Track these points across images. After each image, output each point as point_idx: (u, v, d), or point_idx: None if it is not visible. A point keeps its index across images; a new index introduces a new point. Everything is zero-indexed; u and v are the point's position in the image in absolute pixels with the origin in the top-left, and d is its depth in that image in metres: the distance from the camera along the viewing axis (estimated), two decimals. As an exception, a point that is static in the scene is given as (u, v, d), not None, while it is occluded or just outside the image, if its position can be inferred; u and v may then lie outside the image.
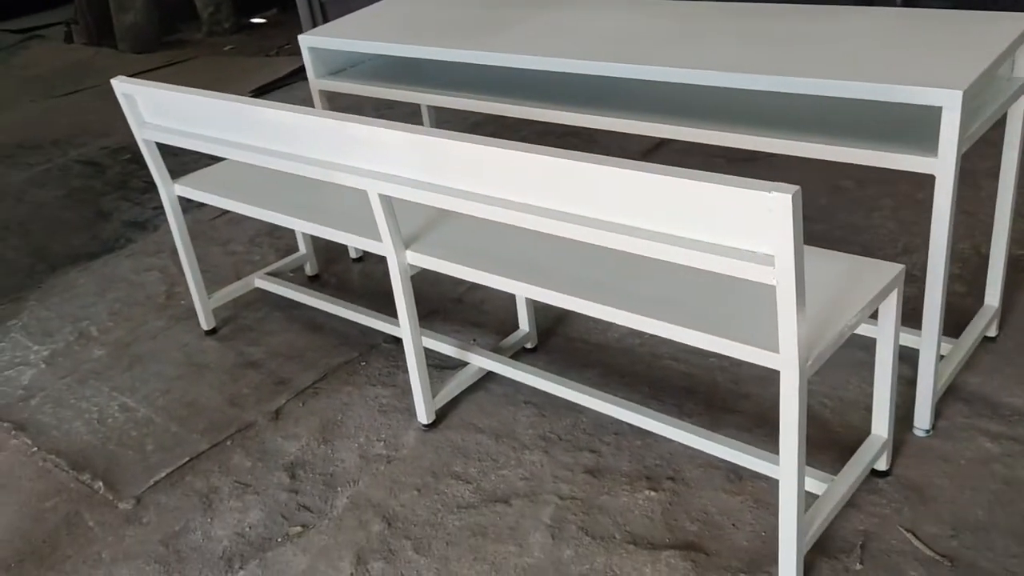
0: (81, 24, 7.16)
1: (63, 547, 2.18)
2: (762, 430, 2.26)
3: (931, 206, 1.93)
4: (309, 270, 3.26)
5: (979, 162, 3.33)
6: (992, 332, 2.45)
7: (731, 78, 2.07)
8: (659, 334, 1.80)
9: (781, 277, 1.51)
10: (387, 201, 2.11)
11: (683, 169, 1.56)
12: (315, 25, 5.74)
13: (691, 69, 2.12)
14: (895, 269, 1.86)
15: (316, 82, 3.03)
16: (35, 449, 2.54)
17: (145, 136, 2.67)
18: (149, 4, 6.78)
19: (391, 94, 2.82)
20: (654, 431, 2.21)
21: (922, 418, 2.16)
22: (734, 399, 2.38)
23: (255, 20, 7.31)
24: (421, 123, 3.39)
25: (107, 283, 3.43)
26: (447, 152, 1.89)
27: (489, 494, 2.18)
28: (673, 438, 2.18)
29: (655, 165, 1.59)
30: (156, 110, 2.60)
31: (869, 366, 2.17)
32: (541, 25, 2.64)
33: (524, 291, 2.01)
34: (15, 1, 8.43)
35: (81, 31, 7.19)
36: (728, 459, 2.10)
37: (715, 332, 1.72)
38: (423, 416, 2.41)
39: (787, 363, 1.61)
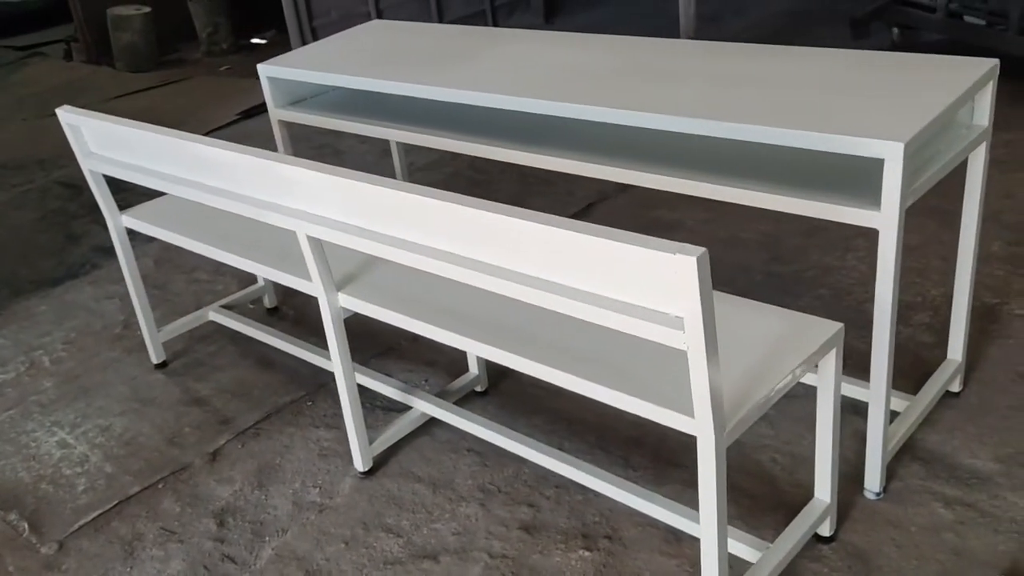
0: (80, 42, 7.17)
1: (-22, 594, 2.12)
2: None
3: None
4: (268, 302, 3.19)
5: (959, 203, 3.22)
6: (955, 387, 2.34)
7: (669, 121, 1.99)
8: (575, 391, 1.71)
9: (691, 341, 1.42)
10: (316, 242, 2.04)
11: (595, 226, 1.48)
12: (306, 48, 5.71)
13: (633, 111, 2.04)
14: (832, 328, 1.76)
15: (275, 112, 2.97)
16: (-33, 487, 2.48)
17: (90, 167, 2.61)
18: (147, 24, 6.77)
19: (347, 126, 2.75)
20: (593, 487, 2.11)
21: (872, 480, 2.05)
22: (682, 452, 2.28)
23: (254, 41, 7.30)
24: (391, 155, 3.33)
25: (66, 311, 3.37)
26: (369, 196, 1.82)
27: (418, 549, 2.09)
28: (611, 496, 2.08)
29: (570, 220, 1.51)
30: (101, 141, 2.54)
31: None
32: (505, 59, 2.56)
33: (449, 339, 1.93)
34: (19, 18, 8.47)
35: (80, 49, 7.20)
36: (665, 521, 2.00)
37: (631, 392, 1.63)
38: (359, 463, 2.32)
39: (702, 429, 1.52)
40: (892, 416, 2.18)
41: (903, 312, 2.71)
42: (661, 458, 2.27)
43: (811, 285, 2.93)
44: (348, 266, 2.22)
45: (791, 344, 1.73)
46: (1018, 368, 2.42)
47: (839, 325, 1.77)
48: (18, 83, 7.01)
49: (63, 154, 5.14)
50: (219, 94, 6.00)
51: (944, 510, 2.01)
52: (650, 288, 1.44)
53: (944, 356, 2.36)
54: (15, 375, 3.00)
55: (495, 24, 6.67)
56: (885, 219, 1.78)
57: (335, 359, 2.20)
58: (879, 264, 1.84)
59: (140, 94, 6.29)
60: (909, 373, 2.44)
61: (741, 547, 1.87)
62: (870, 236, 3.19)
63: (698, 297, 1.37)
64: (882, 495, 2.07)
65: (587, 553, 2.02)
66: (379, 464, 2.36)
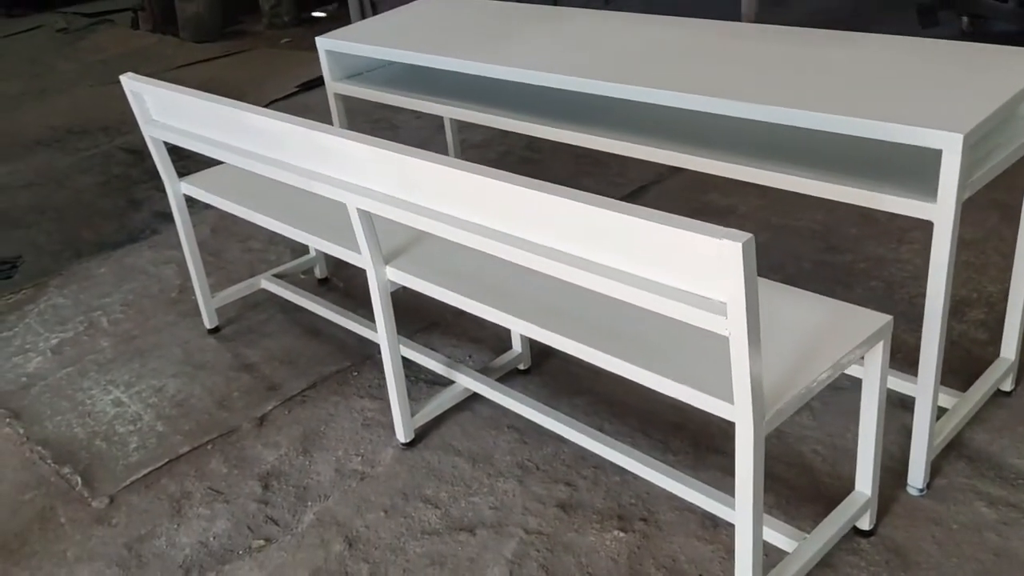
0: (147, 11, 7.30)
1: (32, 542, 2.19)
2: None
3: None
4: (319, 273, 3.23)
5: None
6: (1007, 386, 2.29)
7: (722, 104, 1.97)
8: (616, 372, 1.71)
9: (733, 327, 1.42)
10: (365, 215, 2.07)
11: (641, 208, 1.48)
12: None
13: (688, 94, 2.03)
14: (881, 320, 1.74)
15: (332, 84, 3.00)
16: (25, 439, 2.57)
17: (152, 134, 2.67)
18: (212, -6, 6.87)
19: (401, 101, 2.77)
20: (631, 469, 2.12)
21: (916, 476, 2.03)
22: (723, 439, 2.28)
23: (315, 14, 7.36)
24: (445, 132, 3.34)
25: (125, 274, 3.46)
26: (419, 171, 1.83)
27: (455, 521, 2.12)
28: (649, 479, 2.08)
29: (615, 202, 1.51)
30: (162, 109, 2.59)
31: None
32: (563, 37, 2.56)
33: (494, 316, 1.95)
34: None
35: (146, 18, 7.33)
36: (702, 505, 2.00)
37: (671, 375, 1.63)
38: (401, 434, 2.36)
39: (742, 416, 1.52)
40: (940, 412, 2.15)
41: (957, 307, 2.66)
42: (701, 444, 2.27)
43: (863, 276, 2.89)
44: (397, 240, 2.24)
45: (836, 335, 1.71)
46: (1074, 369, 2.37)
47: (888, 318, 1.75)
48: (86, 49, 7.17)
49: (127, 120, 5.26)
50: (279, 66, 6.07)
51: (987, 509, 1.98)
52: (695, 272, 1.43)
53: (997, 354, 2.32)
54: (74, 334, 3.09)
55: (556, 3, 6.63)
56: (941, 212, 1.75)
57: (381, 331, 2.23)
58: (932, 257, 1.81)
59: (203, 64, 6.39)
60: (960, 370, 2.40)
61: (778, 536, 1.87)
62: (926, 228, 3.12)
63: (742, 283, 1.36)
64: (925, 491, 2.04)
65: (622, 534, 2.03)
66: (420, 436, 2.39)
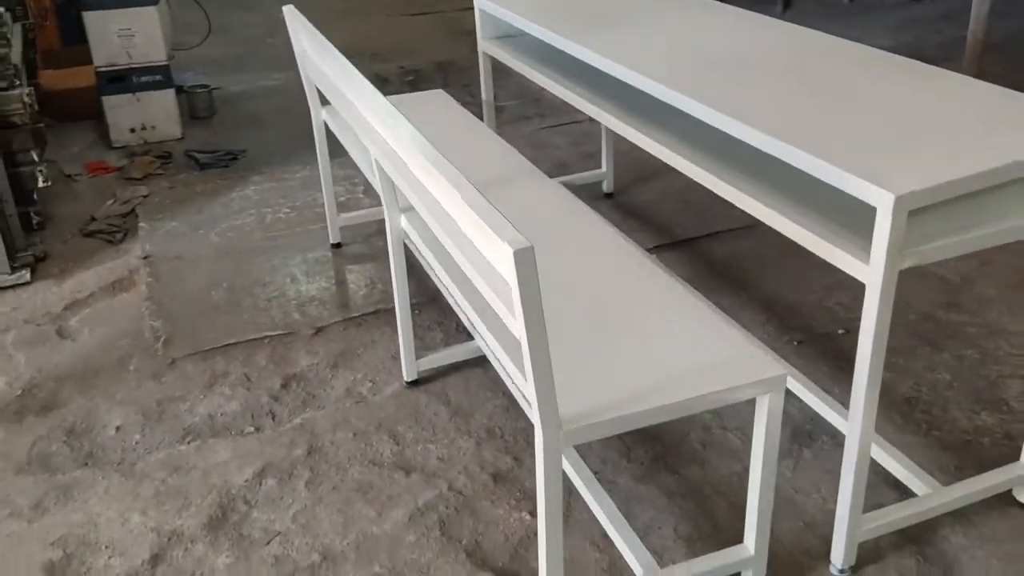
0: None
1: (101, 378, 2.65)
2: (687, 500, 2.08)
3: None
4: (446, 215, 3.45)
5: None
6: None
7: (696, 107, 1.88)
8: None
9: (520, 331, 1.43)
10: (380, 169, 2.23)
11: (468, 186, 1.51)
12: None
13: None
14: (772, 371, 1.62)
15: (482, 43, 3.16)
16: (149, 296, 3.06)
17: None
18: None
19: (529, 72, 2.85)
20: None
21: (837, 553, 1.85)
22: (688, 460, 2.20)
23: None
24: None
25: (309, 183, 3.88)
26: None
27: (402, 461, 2.27)
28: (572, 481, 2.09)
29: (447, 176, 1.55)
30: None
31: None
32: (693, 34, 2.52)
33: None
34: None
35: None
36: (599, 520, 1.98)
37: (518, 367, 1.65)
38: (405, 373, 2.53)
39: (537, 422, 1.52)
40: (909, 495, 1.94)
41: (993, 387, 2.31)
42: (665, 457, 2.21)
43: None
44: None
45: (718, 370, 1.62)
46: None
47: (782, 372, 1.62)
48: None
49: (393, 50, 5.77)
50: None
51: (900, 615, 1.78)
52: (501, 265, 1.45)
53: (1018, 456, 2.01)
54: (241, 223, 3.57)
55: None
56: (873, 274, 1.58)
57: (394, 275, 2.40)
58: (863, 322, 1.64)
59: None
60: (977, 463, 2.11)
61: (646, 557, 1.81)
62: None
63: (518, 288, 1.37)
64: (847, 574, 1.86)
65: (528, 518, 2.07)
66: (428, 379, 2.55)
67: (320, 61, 2.55)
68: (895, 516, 1.87)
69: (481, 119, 3.06)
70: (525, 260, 1.35)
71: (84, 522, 2.12)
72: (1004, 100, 1.84)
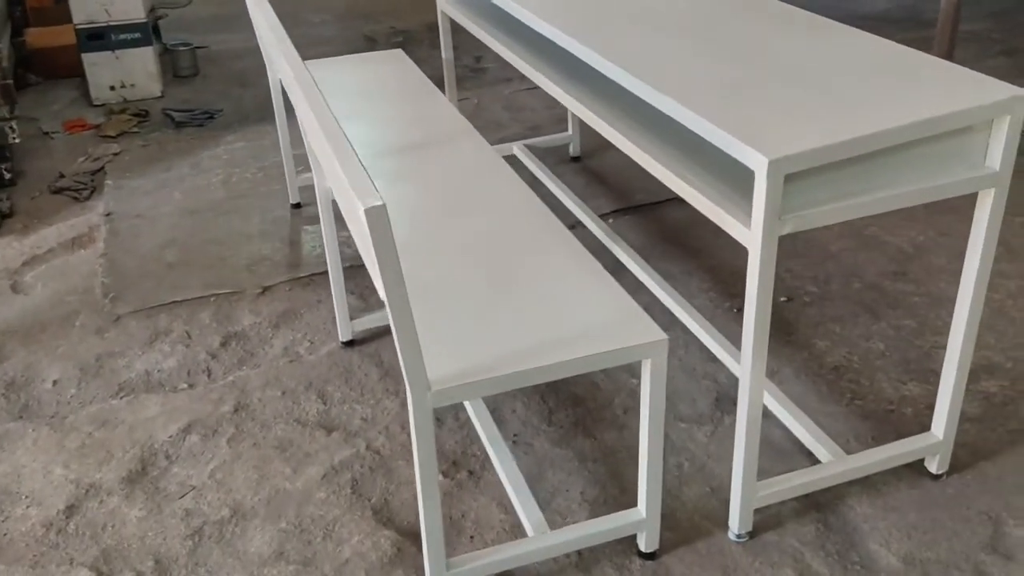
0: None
1: (47, 332, 2.69)
2: (599, 464, 2.09)
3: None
4: (407, 177, 3.44)
5: None
6: (935, 468, 1.97)
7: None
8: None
9: (382, 292, 1.43)
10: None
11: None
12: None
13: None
14: (653, 336, 1.61)
15: (441, 2, 3.13)
16: (104, 253, 3.09)
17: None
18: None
19: (481, 35, 2.81)
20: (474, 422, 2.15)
21: (733, 518, 1.85)
22: (610, 423, 2.20)
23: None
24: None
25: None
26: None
27: (326, 420, 2.28)
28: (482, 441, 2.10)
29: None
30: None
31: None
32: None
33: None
34: None
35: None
36: (504, 483, 1.99)
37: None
38: (340, 333, 2.54)
39: (408, 383, 1.52)
40: (813, 461, 1.94)
41: (925, 365, 2.27)
42: (586, 420, 2.21)
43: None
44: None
45: (601, 334, 1.61)
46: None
47: (663, 337, 1.61)
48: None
49: (387, 12, 5.73)
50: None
51: (791, 581, 1.78)
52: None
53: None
54: (206, 183, 3.58)
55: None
56: (753, 238, 1.56)
57: (325, 236, 2.40)
58: (747, 288, 1.62)
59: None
60: (895, 433, 2.09)
61: (536, 516, 1.82)
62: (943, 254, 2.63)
63: (373, 248, 1.37)
64: (744, 539, 1.86)
65: (441, 478, 2.08)
66: (365, 340, 2.56)
67: (257, 22, 2.53)
68: (794, 483, 1.86)
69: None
70: (378, 219, 1.35)
71: (8, 472, 2.16)
72: (917, 65, 1.79)
